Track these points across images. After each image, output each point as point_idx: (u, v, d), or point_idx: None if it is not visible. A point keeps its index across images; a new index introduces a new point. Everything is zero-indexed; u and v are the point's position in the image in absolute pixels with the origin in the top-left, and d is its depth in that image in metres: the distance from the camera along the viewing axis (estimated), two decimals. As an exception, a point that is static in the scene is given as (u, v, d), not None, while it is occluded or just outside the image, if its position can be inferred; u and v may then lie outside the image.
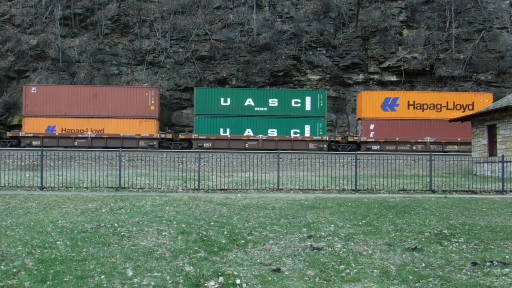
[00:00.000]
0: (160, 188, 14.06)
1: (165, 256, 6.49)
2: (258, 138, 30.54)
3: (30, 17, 39.29)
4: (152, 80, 37.99)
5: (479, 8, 38.15)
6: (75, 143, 30.25)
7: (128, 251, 6.65)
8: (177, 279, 5.54)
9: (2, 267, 5.91)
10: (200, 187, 14.18)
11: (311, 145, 30.62)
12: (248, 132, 30.76)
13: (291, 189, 14.24)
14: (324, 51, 38.08)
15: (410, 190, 14.31)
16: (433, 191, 14.21)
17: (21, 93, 35.90)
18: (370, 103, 31.44)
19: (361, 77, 38.28)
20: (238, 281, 5.42)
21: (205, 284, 5.35)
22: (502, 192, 14.41)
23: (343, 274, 5.78)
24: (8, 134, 31.11)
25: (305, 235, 7.79)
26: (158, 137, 30.73)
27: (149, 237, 7.48)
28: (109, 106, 30.84)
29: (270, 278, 5.58)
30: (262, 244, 7.20)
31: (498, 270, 5.88)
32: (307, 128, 30.95)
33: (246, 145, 30.37)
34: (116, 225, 8.30)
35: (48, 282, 5.40)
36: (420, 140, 30.98)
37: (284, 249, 6.92)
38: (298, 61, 37.77)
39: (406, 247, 7.01)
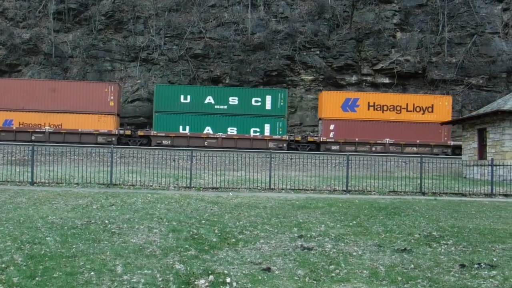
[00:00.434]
0: (151, 186, 14.01)
1: (156, 253, 6.48)
2: (218, 136, 30.42)
3: (23, 10, 38.86)
4: (146, 77, 37.82)
5: (471, 12, 38.55)
6: (33, 138, 29.64)
7: (119, 248, 6.63)
8: (167, 276, 5.54)
9: (-10, 262, 5.86)
10: (192, 185, 14.16)
11: (271, 144, 30.52)
12: (208, 130, 30.60)
13: (282, 189, 14.27)
14: (318, 52, 38.21)
15: (400, 192, 14.43)
16: (423, 193, 14.34)
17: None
18: (330, 103, 31.39)
19: (354, 78, 38.47)
20: (228, 280, 5.43)
21: (195, 282, 5.35)
22: (491, 195, 14.58)
23: (333, 274, 5.82)
24: None
25: (295, 234, 7.83)
26: (116, 133, 30.38)
27: (140, 235, 7.46)
28: (67, 101, 30.33)
29: (260, 277, 5.60)
30: (252, 243, 7.22)
31: (486, 272, 5.97)
32: (267, 127, 30.86)
33: (206, 143, 30.21)
34: (106, 221, 8.26)
35: (37, 278, 5.37)
36: (380, 141, 31.06)
37: (275, 248, 6.94)
38: (292, 61, 37.85)
39: (395, 248, 7.08)
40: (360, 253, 6.79)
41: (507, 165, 17.50)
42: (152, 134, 30.35)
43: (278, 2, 39.72)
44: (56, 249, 6.49)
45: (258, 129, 30.83)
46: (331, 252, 6.79)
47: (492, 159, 15.99)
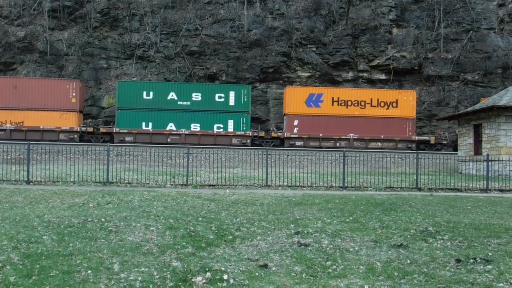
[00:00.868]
0: (148, 183, 14.00)
1: (153, 251, 6.48)
2: (181, 132, 30.29)
3: (18, 8, 38.58)
4: (142, 74, 37.68)
5: (467, 8, 38.61)
6: None
7: (115, 246, 6.63)
8: (165, 274, 5.54)
9: (-14, 261, 5.85)
10: (189, 183, 14.16)
11: (234, 140, 30.47)
12: (171, 126, 30.44)
13: (279, 186, 14.29)
14: (314, 49, 38.18)
15: (396, 188, 14.48)
16: (419, 189, 14.40)
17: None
18: (294, 99, 31.29)
19: (350, 75, 38.49)
20: (225, 277, 5.45)
21: (193, 280, 5.36)
22: (486, 190, 14.67)
23: (330, 270, 5.84)
24: None
25: (292, 231, 7.85)
26: (78, 130, 30.22)
27: (137, 232, 7.46)
28: (29, 98, 30.02)
29: (257, 274, 5.62)
30: (249, 240, 7.24)
31: (481, 267, 6.01)
32: (231, 123, 30.77)
33: (169, 140, 30.08)
34: (103, 220, 8.25)
35: (33, 277, 5.36)
36: (344, 137, 31.03)
37: (272, 245, 6.96)
38: (288, 58, 37.81)
39: (392, 244, 7.11)
40: (356, 249, 6.82)
41: (502, 161, 17.60)
42: (114, 131, 30.16)
43: (274, -2, 39.64)
44: (53, 248, 6.48)
45: (221, 125, 30.72)
46: (328, 248, 6.82)
47: (488, 155, 16.07)
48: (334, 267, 5.95)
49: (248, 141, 30.60)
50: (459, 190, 14.55)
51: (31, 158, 15.21)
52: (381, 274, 5.70)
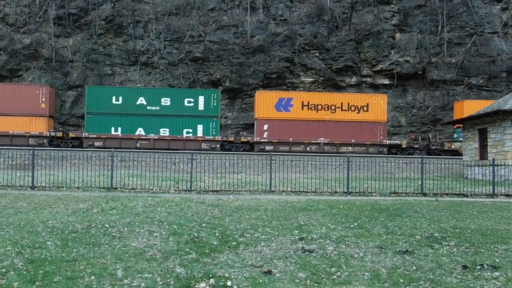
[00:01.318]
0: (152, 189, 14.00)
1: (156, 257, 6.46)
2: (150, 137, 30.20)
3: (24, 16, 38.99)
4: (146, 80, 37.87)
5: (470, 12, 38.58)
6: None
7: (119, 252, 6.61)
8: (168, 280, 5.51)
9: (-10, 267, 5.85)
10: (192, 188, 14.14)
11: (204, 145, 30.37)
12: (140, 131, 30.37)
13: (283, 191, 14.24)
14: (317, 54, 38.24)
15: (401, 193, 14.39)
16: (425, 194, 14.30)
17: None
18: (264, 103, 31.01)
19: (354, 80, 38.49)
20: (229, 283, 5.41)
21: (196, 286, 5.33)
22: (492, 195, 14.53)
23: (334, 276, 5.79)
24: None
25: (296, 237, 7.80)
26: (48, 135, 30.14)
27: (140, 238, 7.44)
28: None
29: (261, 280, 5.57)
30: (253, 246, 7.19)
31: (488, 273, 5.93)
32: (200, 128, 30.63)
33: (138, 145, 30.01)
34: (107, 225, 8.24)
35: (37, 283, 5.35)
36: (314, 141, 30.78)
37: (276, 251, 6.91)
38: (291, 63, 37.89)
39: (397, 250, 7.04)
40: (361, 255, 6.76)
41: (508, 165, 17.46)
42: (83, 136, 30.17)
43: (277, 4, 39.79)
44: (57, 253, 6.48)
45: (191, 130, 30.59)
46: (332, 255, 6.76)
47: (494, 159, 15.95)
48: (339, 273, 5.89)
49: (218, 145, 30.47)
50: (465, 195, 14.43)
51: (36, 164, 15.26)
52: (386, 281, 5.64)
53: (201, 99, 30.70)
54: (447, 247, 7.25)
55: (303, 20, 38.96)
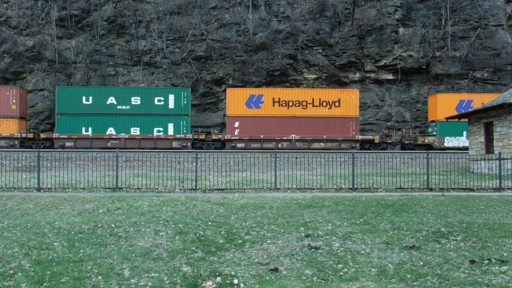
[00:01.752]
0: (157, 188, 14.02)
1: (163, 256, 6.47)
2: (121, 136, 30.25)
3: (26, 18, 39.15)
4: (149, 80, 37.94)
5: (474, 5, 38.27)
6: None
7: (125, 252, 6.63)
8: (175, 279, 5.52)
9: (-2, 269, 5.88)
10: (198, 187, 14.15)
11: (175, 144, 30.34)
12: (111, 131, 30.43)
13: (288, 188, 14.22)
14: (320, 50, 38.11)
15: (407, 188, 14.32)
16: (431, 189, 14.22)
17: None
18: (235, 100, 30.90)
19: (357, 75, 38.34)
20: (235, 281, 5.41)
21: (203, 284, 5.33)
22: (499, 189, 14.43)
23: (341, 273, 5.77)
24: None
25: (302, 234, 7.78)
26: (19, 136, 30.27)
27: (146, 238, 7.45)
28: None
29: (267, 278, 5.56)
30: (259, 243, 7.19)
31: (496, 268, 5.89)
32: (171, 126, 30.62)
33: (109, 144, 30.01)
34: (113, 225, 8.26)
35: (45, 284, 5.38)
36: (286, 138, 30.64)
37: (282, 248, 6.90)
38: (294, 60, 37.79)
39: (404, 245, 7.01)
40: (368, 251, 6.73)
41: (514, 159, 17.31)
42: (54, 137, 30.25)
43: (279, 1, 39.68)
44: (64, 254, 6.50)
45: (161, 129, 30.62)
46: (338, 251, 6.74)
47: (500, 153, 15.83)
48: (346, 270, 5.87)
49: (189, 144, 30.47)
50: (471, 190, 14.34)
51: (41, 166, 15.34)
52: (393, 277, 5.62)
53: (171, 97, 30.73)
54: (454, 242, 7.21)
55: (305, 17, 38.83)
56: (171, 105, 30.71)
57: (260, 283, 5.38)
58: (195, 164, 15.00)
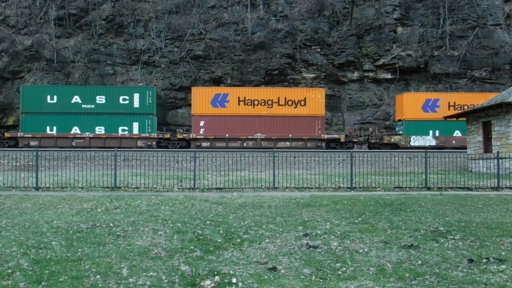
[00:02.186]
0: (155, 188, 14.01)
1: (161, 255, 6.47)
2: (85, 135, 30.21)
3: (25, 17, 39.05)
4: (147, 79, 37.88)
5: (472, 5, 38.32)
6: None
7: (124, 251, 6.62)
8: (173, 278, 5.52)
9: (-4, 268, 5.87)
10: (196, 186, 14.14)
11: (140, 143, 30.31)
12: (75, 130, 30.38)
13: (286, 188, 14.23)
14: (319, 50, 38.11)
15: (405, 188, 14.34)
16: (429, 188, 14.25)
17: (16, 94, 35.82)
18: (200, 99, 30.87)
19: (355, 75, 38.35)
20: (234, 280, 5.41)
21: (201, 283, 5.33)
22: (497, 188, 14.47)
23: (339, 272, 5.77)
24: None
25: (301, 233, 7.79)
26: None
27: (145, 237, 7.45)
28: None
29: (266, 277, 5.57)
30: (258, 242, 7.19)
31: (495, 266, 5.90)
32: (136, 125, 30.53)
33: (73, 143, 30.01)
34: (111, 225, 8.26)
35: (43, 283, 5.37)
36: (251, 137, 30.59)
37: (280, 247, 6.91)
38: (293, 59, 37.78)
39: (402, 244, 7.02)
40: (366, 250, 6.74)
41: (512, 158, 17.34)
42: (19, 136, 30.17)
43: (278, 1, 39.67)
44: (62, 253, 6.49)
45: (126, 128, 30.54)
46: (337, 250, 6.75)
47: (498, 152, 15.86)
48: (344, 269, 5.88)
49: (154, 143, 30.41)
50: (470, 189, 14.37)
51: (40, 165, 15.31)
52: (391, 276, 5.63)
53: (136, 96, 30.64)
54: (453, 241, 7.22)
55: (303, 16, 38.82)
56: (136, 104, 30.61)
57: (259, 282, 5.38)
58: (193, 163, 14.99)
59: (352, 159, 14.84)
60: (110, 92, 30.96)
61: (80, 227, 8.09)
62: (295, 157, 21.00)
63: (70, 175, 15.57)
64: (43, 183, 14.45)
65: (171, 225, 8.29)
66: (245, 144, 30.48)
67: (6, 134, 30.88)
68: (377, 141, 31.84)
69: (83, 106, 30.41)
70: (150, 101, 30.72)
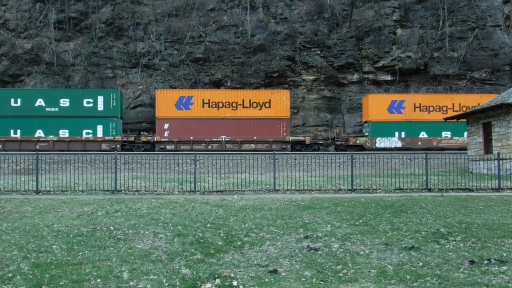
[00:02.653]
0: (156, 191, 14.00)
1: (162, 258, 6.45)
2: (49, 139, 30.05)
3: (25, 21, 39.12)
4: (147, 82, 37.92)
5: (472, 6, 38.37)
6: None
7: (124, 254, 6.61)
8: (174, 281, 5.51)
9: (-4, 272, 5.86)
10: (196, 189, 14.13)
11: (104, 146, 30.15)
12: (39, 133, 30.20)
13: (287, 190, 14.22)
14: (319, 52, 38.15)
15: (406, 189, 14.33)
16: (430, 190, 14.23)
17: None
18: (164, 102, 30.74)
19: (355, 77, 38.37)
20: (235, 283, 5.40)
21: (202, 287, 5.32)
22: (498, 189, 14.45)
23: (340, 274, 5.76)
24: None
25: (302, 235, 7.77)
26: None
27: (145, 240, 7.44)
28: None
29: (267, 280, 5.55)
30: (258, 245, 7.18)
31: (496, 268, 5.89)
32: (100, 129, 30.42)
33: (37, 147, 29.70)
34: (112, 228, 8.25)
35: (43, 287, 5.36)
36: (215, 139, 30.52)
37: (281, 250, 6.89)
38: (292, 61, 37.82)
39: (403, 246, 7.01)
40: (367, 252, 6.73)
41: (513, 159, 17.32)
42: None
43: (277, 3, 39.73)
44: (62, 257, 6.48)
45: (90, 131, 30.40)
46: (338, 252, 6.73)
47: (499, 153, 15.85)
48: (345, 271, 5.87)
49: (118, 146, 30.24)
50: (470, 190, 14.35)
51: (40, 168, 15.31)
52: (393, 278, 5.61)
53: (100, 99, 30.53)
54: (454, 242, 7.21)
55: (303, 18, 38.88)
56: (100, 107, 30.48)
57: (259, 285, 5.37)
58: (193, 166, 14.99)
59: (352, 161, 14.83)
60: (74, 95, 30.89)
61: (80, 231, 8.08)
62: (295, 159, 20.99)
63: (71, 178, 15.56)
64: (44, 186, 14.45)
65: (171, 228, 8.28)
66: (209, 147, 30.41)
67: None
68: (343, 142, 31.84)
69: (47, 109, 30.30)
70: (115, 104, 30.60)
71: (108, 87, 36.22)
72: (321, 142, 31.92)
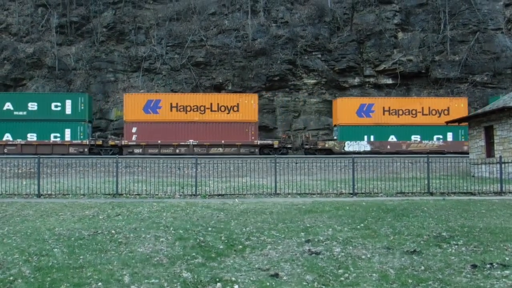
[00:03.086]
0: (157, 194, 14.00)
1: (163, 262, 6.44)
2: (17, 143, 30.08)
3: (27, 25, 39.31)
4: (149, 86, 38.01)
5: (473, 10, 38.42)
6: None
7: (125, 258, 6.60)
8: (175, 285, 5.50)
9: (-3, 276, 5.86)
10: (198, 193, 14.12)
11: (72, 149, 30.24)
12: (7, 137, 30.21)
13: (288, 194, 14.20)
14: (320, 55, 38.20)
15: (408, 193, 14.29)
16: (431, 193, 14.20)
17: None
18: (132, 105, 30.71)
19: (356, 80, 38.39)
20: (236, 287, 5.38)
21: (203, 291, 5.31)
22: (500, 193, 14.41)
23: (342, 278, 5.74)
24: None
25: (303, 239, 7.76)
26: None
27: (147, 244, 7.43)
28: None
29: (268, 284, 5.54)
30: (260, 249, 7.16)
31: (498, 272, 5.86)
32: (68, 132, 30.44)
33: (5, 150, 29.79)
34: (113, 231, 8.24)
35: (44, 291, 5.35)
36: (183, 143, 30.47)
37: (282, 254, 6.88)
38: (293, 65, 37.87)
39: (405, 250, 6.98)
40: (369, 256, 6.71)
41: (515, 162, 17.28)
42: None
43: (278, 7, 39.84)
44: (64, 261, 6.48)
45: (58, 134, 30.42)
46: (339, 256, 6.71)
47: (501, 157, 15.82)
48: (346, 275, 5.85)
49: (86, 149, 30.30)
50: (472, 194, 14.31)
51: (41, 172, 15.32)
52: (394, 282, 5.59)
53: (68, 103, 30.58)
54: (456, 246, 7.18)
55: (304, 22, 38.97)
56: (68, 110, 30.53)
57: (261, 289, 5.35)
58: (195, 170, 14.99)
59: (354, 165, 14.81)
60: (42, 98, 30.93)
61: (82, 234, 8.07)
62: (296, 163, 20.97)
63: (72, 182, 15.57)
64: (45, 190, 14.46)
65: (172, 231, 8.27)
66: (177, 151, 30.39)
67: None
68: (312, 146, 31.81)
69: (15, 113, 30.32)
70: (83, 107, 30.65)
71: (110, 91, 36.31)
72: (289, 146, 31.91)
